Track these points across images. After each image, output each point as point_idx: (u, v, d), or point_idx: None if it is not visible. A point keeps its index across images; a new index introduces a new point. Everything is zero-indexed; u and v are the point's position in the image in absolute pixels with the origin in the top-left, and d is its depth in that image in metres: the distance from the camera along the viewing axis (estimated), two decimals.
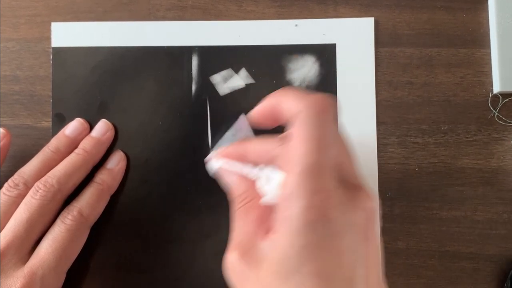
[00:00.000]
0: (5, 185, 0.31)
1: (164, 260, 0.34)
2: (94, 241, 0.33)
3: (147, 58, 0.35)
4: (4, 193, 0.31)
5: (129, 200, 0.35)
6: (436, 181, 0.35)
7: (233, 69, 0.35)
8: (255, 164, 0.25)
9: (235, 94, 0.35)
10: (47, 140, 0.34)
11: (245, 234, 0.23)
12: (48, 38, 0.36)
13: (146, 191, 0.35)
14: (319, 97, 0.22)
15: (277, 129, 0.25)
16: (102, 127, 0.34)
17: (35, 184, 0.31)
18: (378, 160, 0.35)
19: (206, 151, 0.35)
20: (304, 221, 0.20)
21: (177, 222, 0.34)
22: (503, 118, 0.35)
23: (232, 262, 0.22)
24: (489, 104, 0.35)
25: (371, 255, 0.22)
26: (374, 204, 0.22)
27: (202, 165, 0.34)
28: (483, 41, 0.35)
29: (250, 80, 0.35)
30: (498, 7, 0.35)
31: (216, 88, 0.35)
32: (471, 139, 0.35)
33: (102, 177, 0.33)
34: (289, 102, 0.22)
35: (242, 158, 0.26)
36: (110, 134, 0.35)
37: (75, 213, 0.31)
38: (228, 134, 0.35)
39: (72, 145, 0.34)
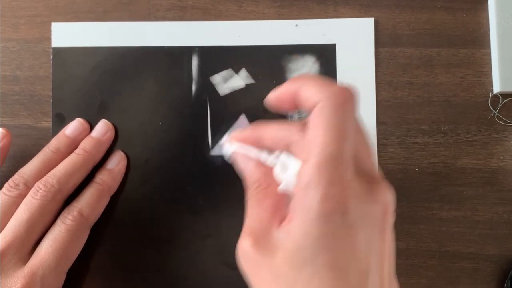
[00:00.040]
0: (6, 185, 0.31)
1: (164, 260, 0.34)
2: (94, 241, 0.33)
3: (147, 58, 0.35)
4: (4, 193, 0.31)
5: (129, 200, 0.35)
6: (436, 181, 0.35)
7: (233, 69, 0.35)
8: (270, 149, 0.25)
9: (235, 94, 0.35)
10: (47, 140, 0.34)
11: (259, 222, 0.23)
12: (48, 38, 0.36)
13: (146, 191, 0.35)
14: (340, 88, 0.22)
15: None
16: (102, 127, 0.34)
17: (36, 184, 0.31)
18: (378, 160, 0.35)
19: (206, 151, 0.35)
20: (321, 212, 0.20)
21: (177, 222, 0.34)
22: (503, 118, 0.35)
23: (245, 249, 0.22)
24: (489, 104, 0.35)
25: (386, 248, 0.22)
26: (391, 197, 0.22)
27: (202, 165, 0.35)
28: (483, 41, 0.35)
29: (250, 80, 0.35)
30: (498, 7, 0.35)
31: (216, 88, 0.35)
32: (471, 139, 0.35)
33: (102, 177, 0.33)
34: (309, 91, 0.22)
35: (257, 143, 0.25)
36: (110, 134, 0.35)
37: (75, 213, 0.31)
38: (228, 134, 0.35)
39: (72, 145, 0.34)
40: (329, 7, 0.36)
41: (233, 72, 0.35)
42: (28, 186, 0.31)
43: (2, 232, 0.29)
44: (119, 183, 0.34)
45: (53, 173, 0.31)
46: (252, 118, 0.35)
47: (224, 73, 0.35)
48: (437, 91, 0.35)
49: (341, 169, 0.20)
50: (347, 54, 0.35)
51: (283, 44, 0.35)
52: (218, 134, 0.35)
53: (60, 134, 0.34)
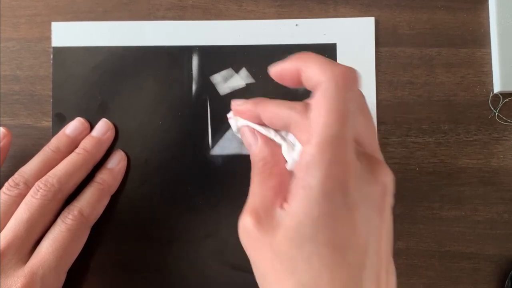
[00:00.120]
0: (6, 184, 0.31)
1: (164, 260, 0.34)
2: (94, 241, 0.33)
3: (147, 58, 0.35)
4: (4, 193, 0.31)
5: (129, 200, 0.35)
6: (436, 181, 0.35)
7: (233, 68, 0.35)
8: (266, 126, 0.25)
9: (236, 94, 0.35)
10: (47, 140, 0.34)
11: (262, 200, 0.23)
12: (48, 38, 0.36)
13: (146, 191, 0.35)
14: (343, 69, 0.22)
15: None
16: (103, 126, 0.34)
17: (36, 184, 0.31)
18: None
19: (206, 151, 0.35)
20: (321, 191, 0.20)
21: (177, 222, 0.34)
22: (504, 118, 0.35)
23: (247, 227, 0.22)
24: (490, 104, 0.35)
25: (384, 228, 0.22)
26: (390, 178, 0.23)
27: (202, 165, 0.35)
28: (483, 41, 0.35)
29: (251, 80, 0.35)
30: (498, 7, 0.34)
31: (217, 88, 0.35)
32: (472, 139, 0.35)
33: (102, 176, 0.33)
34: (312, 70, 0.22)
35: (255, 118, 0.25)
36: (111, 133, 0.35)
37: (75, 212, 0.31)
38: (229, 134, 0.35)
39: (73, 144, 0.34)
40: (329, 7, 0.36)
41: (233, 72, 0.35)
42: (28, 186, 0.31)
43: (2, 232, 0.29)
44: (119, 182, 0.34)
45: (53, 172, 0.31)
46: None
47: (224, 72, 0.35)
48: (437, 90, 0.35)
49: (342, 149, 0.20)
50: (347, 54, 0.35)
51: (283, 43, 0.35)
52: (218, 134, 0.35)
53: (61, 133, 0.34)
